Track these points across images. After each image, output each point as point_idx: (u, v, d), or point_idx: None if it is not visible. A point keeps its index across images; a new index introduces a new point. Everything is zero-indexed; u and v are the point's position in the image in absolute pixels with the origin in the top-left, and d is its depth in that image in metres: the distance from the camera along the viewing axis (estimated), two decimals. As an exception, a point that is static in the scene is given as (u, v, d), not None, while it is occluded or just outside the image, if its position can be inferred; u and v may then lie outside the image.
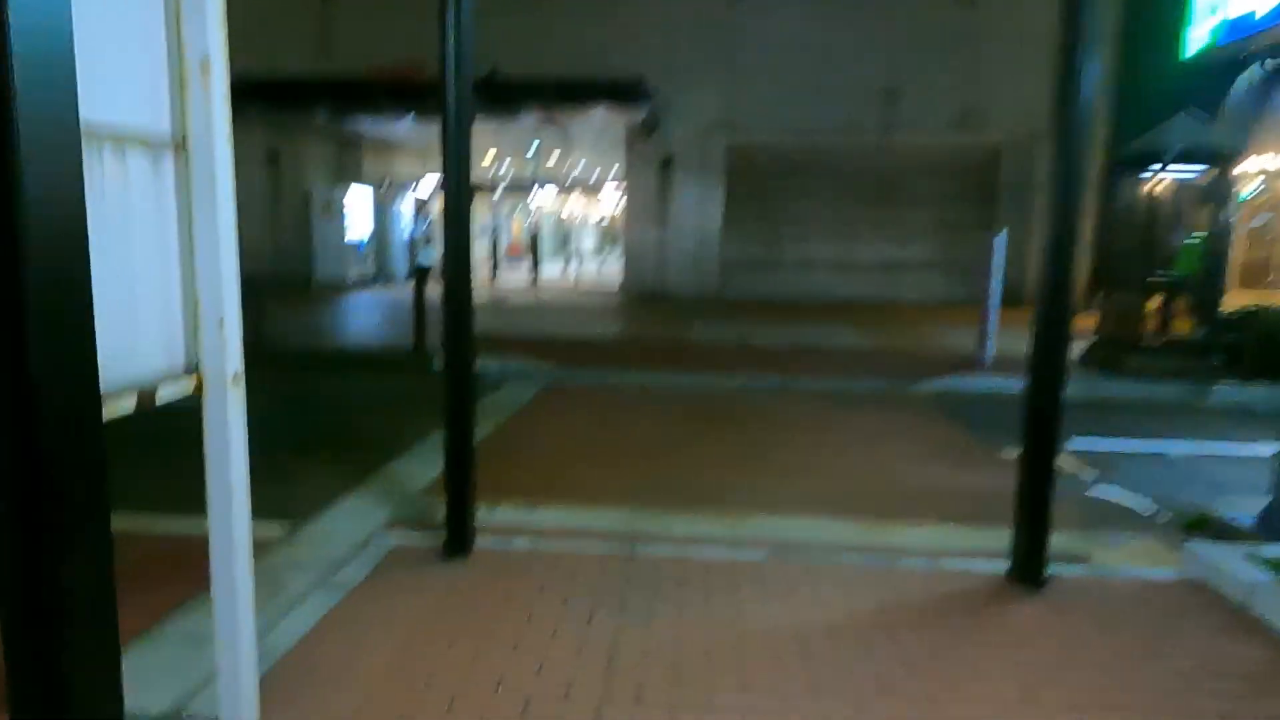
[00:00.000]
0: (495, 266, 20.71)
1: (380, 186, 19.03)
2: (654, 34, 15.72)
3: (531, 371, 9.17)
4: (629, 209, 17.09)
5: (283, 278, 17.19)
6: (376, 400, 8.02)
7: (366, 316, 13.01)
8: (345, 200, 17.08)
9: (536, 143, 18.00)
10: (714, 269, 16.80)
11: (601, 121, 15.46)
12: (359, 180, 18.60)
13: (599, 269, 23.01)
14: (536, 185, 19.62)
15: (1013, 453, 4.27)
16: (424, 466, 5.42)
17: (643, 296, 16.63)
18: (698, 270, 16.64)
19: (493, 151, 20.49)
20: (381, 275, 18.56)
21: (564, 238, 25.47)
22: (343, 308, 14.22)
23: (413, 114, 14.37)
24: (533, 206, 20.02)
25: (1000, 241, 9.60)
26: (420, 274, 20.50)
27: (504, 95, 13.98)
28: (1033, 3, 15.06)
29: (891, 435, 6.87)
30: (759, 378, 9.02)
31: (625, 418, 7.20)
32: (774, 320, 13.50)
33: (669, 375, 9.04)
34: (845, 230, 16.91)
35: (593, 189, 22.40)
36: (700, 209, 16.49)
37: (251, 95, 14.36)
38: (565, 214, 25.60)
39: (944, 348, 11.08)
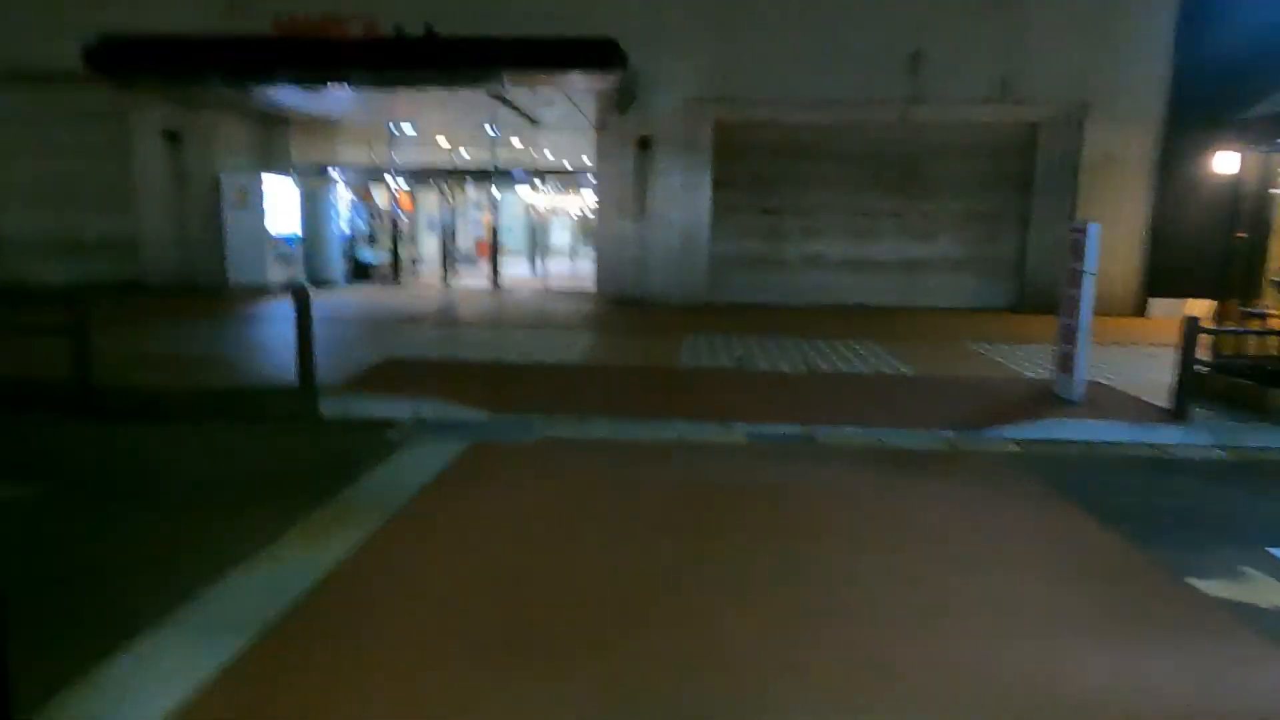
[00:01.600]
0: (447, 266, 17.96)
1: (313, 173, 16.25)
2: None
3: (456, 421, 6.53)
4: (601, 198, 14.43)
5: (188, 281, 14.40)
6: (204, 473, 5.31)
7: (272, 333, 10.30)
8: (265, 189, 14.31)
9: (489, 125, 15.27)
10: (702, 269, 14.20)
11: (567, 94, 12.79)
12: (288, 166, 15.82)
13: (573, 268, 20.32)
14: (499, 174, 16.86)
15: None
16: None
17: (620, 301, 13.99)
18: (683, 270, 14.03)
19: (443, 137, 17.78)
20: (314, 278, 15.80)
21: (533, 233, 22.73)
22: (246, 321, 11.49)
23: (339, 83, 11.62)
24: (495, 198, 17.25)
25: (1094, 234, 7.05)
26: (360, 271, 17.82)
27: (445, 59, 11.28)
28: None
29: (993, 544, 4.28)
30: (771, 426, 6.42)
31: (573, 519, 4.57)
32: (778, 332, 10.92)
33: (647, 424, 6.42)
34: (860, 223, 14.33)
35: (565, 177, 19.65)
36: (686, 198, 13.87)
37: (136, 59, 11.61)
38: (536, 206, 22.87)
39: (1005, 373, 8.52)
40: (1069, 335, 7.27)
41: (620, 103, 13.18)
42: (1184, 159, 13.00)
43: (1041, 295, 13.75)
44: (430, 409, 6.75)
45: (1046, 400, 7.31)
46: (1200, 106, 12.79)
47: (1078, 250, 7.20)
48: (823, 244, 14.40)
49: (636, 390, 7.48)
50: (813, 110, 13.60)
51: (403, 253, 17.57)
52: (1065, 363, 7.31)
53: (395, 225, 17.06)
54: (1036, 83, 12.98)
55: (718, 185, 14.08)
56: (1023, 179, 13.96)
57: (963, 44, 12.98)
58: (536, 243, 22.49)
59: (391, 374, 7.92)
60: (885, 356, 9.32)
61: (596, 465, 5.58)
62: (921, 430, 6.46)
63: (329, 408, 6.78)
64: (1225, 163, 12.81)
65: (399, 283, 17.13)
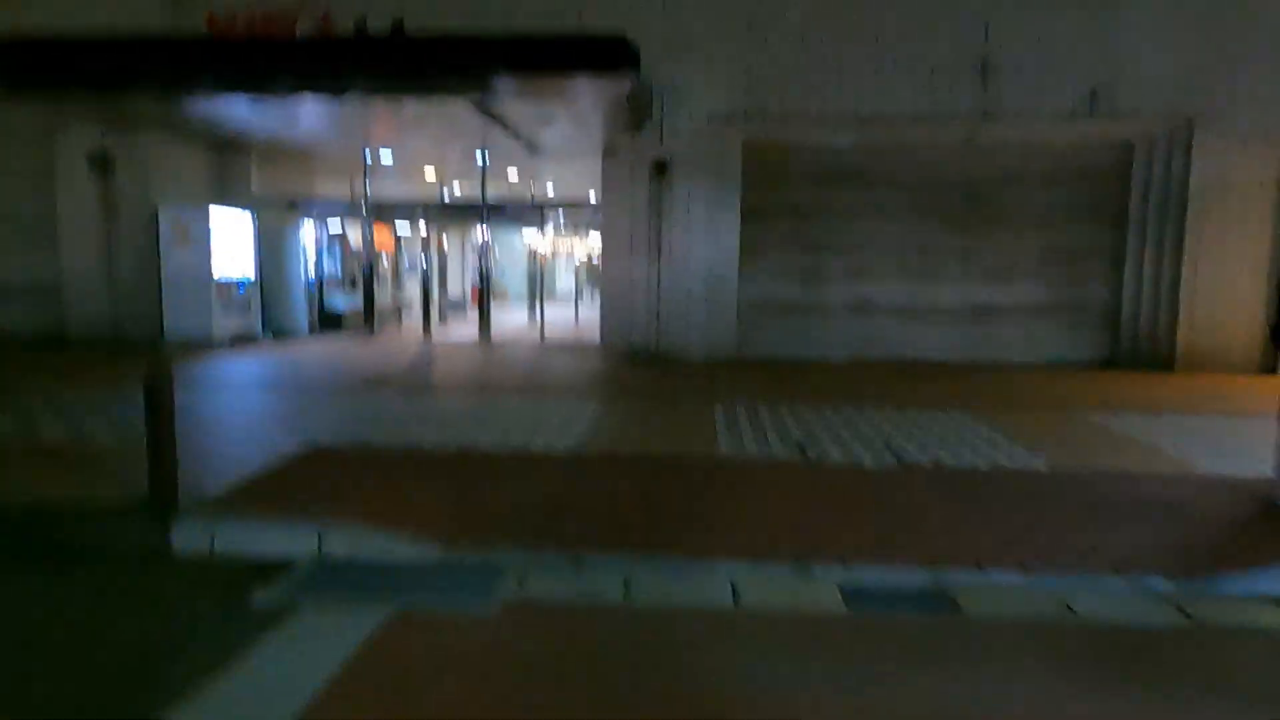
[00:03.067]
0: (430, 315, 15.68)
1: (278, 208, 14.09)
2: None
3: (381, 562, 4.12)
4: (609, 235, 12.19)
5: (119, 332, 12.13)
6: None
7: (194, 404, 7.94)
8: (213, 225, 12.13)
9: (480, 152, 13.12)
10: (730, 317, 11.89)
11: (569, 110, 10.63)
12: (247, 199, 13.66)
13: (579, 316, 18.04)
14: (492, 209, 14.68)
15: None
16: None
17: (632, 356, 11.64)
18: (708, 319, 11.71)
19: (432, 170, 15.66)
20: (275, 328, 13.55)
21: (534, 277, 20.50)
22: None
23: (285, 91, 9.47)
24: (484, 237, 15.05)
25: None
26: (329, 320, 15.48)
27: (417, 60, 9.13)
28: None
29: None
30: (877, 571, 4.00)
31: None
32: (833, 398, 8.53)
33: (680, 568, 4.01)
34: (918, 262, 12.02)
35: (571, 212, 17.46)
36: (710, 233, 11.62)
37: (28, 64, 9.48)
38: (537, 246, 20.70)
39: (1167, 464, 6.06)
40: (1309, 420, 4.85)
41: (632, 120, 11.00)
42: (1319, 183, 10.69)
43: (1140, 348, 11.39)
44: (344, 540, 4.34)
45: (1272, 515, 4.87)
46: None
47: None
48: (872, 287, 12.08)
49: (660, 499, 5.06)
50: (860, 129, 11.39)
51: (380, 299, 15.31)
52: (1304, 470, 4.88)
53: (371, 268, 14.82)
54: (1133, 93, 10.75)
55: (747, 218, 11.83)
56: (1117, 210, 11.66)
57: (1043, 48, 10.80)
58: (538, 288, 20.25)
59: (309, 473, 5.54)
60: (990, 436, 6.89)
61: (601, 670, 3.15)
62: (1117, 579, 4.02)
63: (189, 537, 4.39)
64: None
65: (374, 334, 14.84)
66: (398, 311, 16.74)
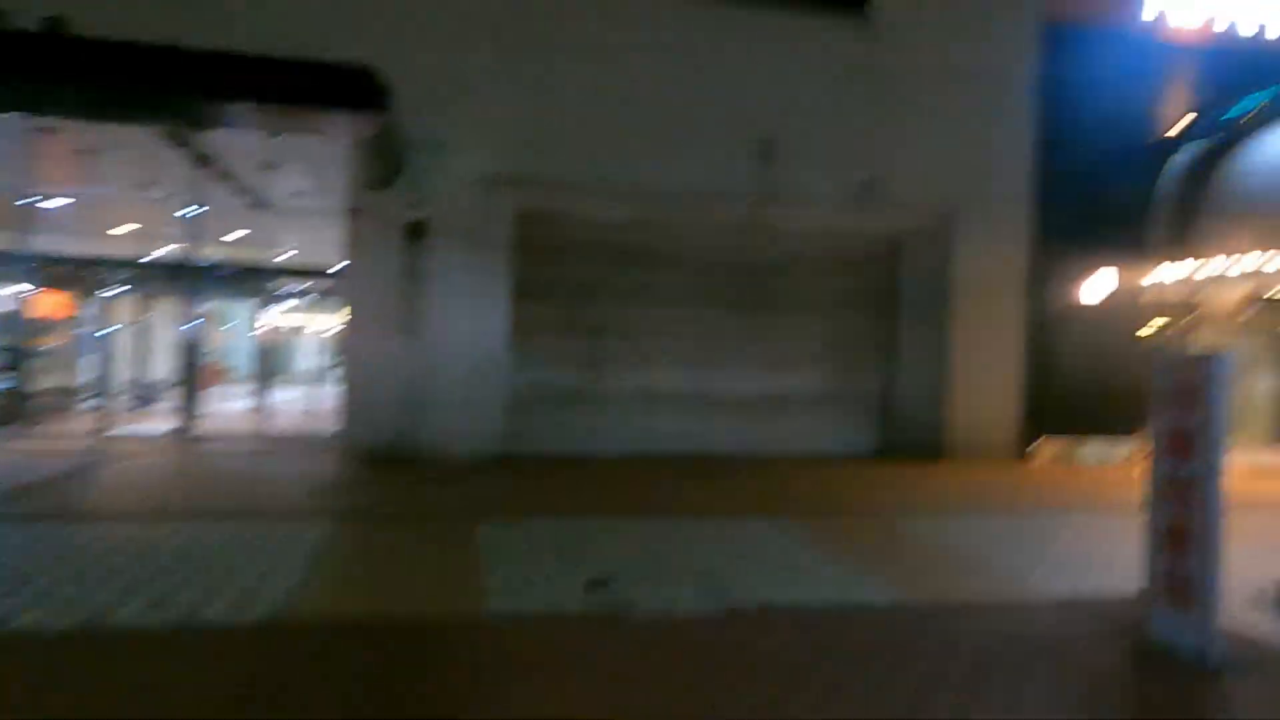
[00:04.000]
0: (112, 404, 12.47)
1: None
2: (403, 17, 9.49)
3: None
4: (355, 307, 10.18)
5: None
6: None
7: None
8: None
9: (190, 202, 10.67)
10: (498, 408, 10.27)
11: (303, 153, 8.73)
12: None
13: (317, 404, 15.39)
14: (201, 273, 12.05)
15: None
16: None
17: (379, 455, 9.56)
18: (472, 410, 9.98)
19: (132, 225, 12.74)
20: None
21: (266, 356, 17.52)
22: None
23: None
24: (193, 307, 12.30)
25: (1225, 365, 4.13)
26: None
27: (78, 68, 6.85)
28: (954, 38, 10.86)
29: None
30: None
31: None
32: (623, 507, 7.18)
33: None
34: (703, 348, 11.22)
35: (312, 279, 15.01)
36: (476, 310, 10.05)
37: None
38: (271, 320, 17.83)
39: (1004, 586, 5.26)
40: (1181, 542, 4.19)
41: (382, 174, 9.29)
42: (1058, 278, 11.35)
43: (912, 437, 11.29)
44: None
45: (1160, 663, 4.10)
46: (1068, 222, 11.31)
47: (1187, 394, 4.22)
48: (656, 374, 11.07)
49: (397, 707, 3.29)
50: (642, 203, 10.53)
51: (39, 384, 11.90)
52: (1180, 592, 4.19)
53: (19, 345, 11.47)
54: (903, 186, 10.87)
55: (520, 295, 10.41)
56: (889, 299, 11.70)
57: (822, 135, 10.65)
58: (269, 369, 17.29)
59: None
60: (808, 555, 5.83)
61: None
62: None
63: None
64: (1101, 282, 11.33)
65: (28, 429, 11.39)
66: (70, 398, 13.21)
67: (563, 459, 10.17)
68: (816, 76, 10.64)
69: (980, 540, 6.52)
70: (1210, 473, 4.05)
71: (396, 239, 9.74)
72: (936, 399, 11.14)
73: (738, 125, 10.39)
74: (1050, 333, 11.33)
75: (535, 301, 10.58)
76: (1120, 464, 11.36)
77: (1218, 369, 4.06)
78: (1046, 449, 11.26)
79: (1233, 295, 12.50)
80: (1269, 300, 11.99)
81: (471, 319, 9.97)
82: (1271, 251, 10.78)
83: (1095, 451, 11.31)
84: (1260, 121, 12.23)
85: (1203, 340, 13.82)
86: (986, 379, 11.20)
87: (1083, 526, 7.21)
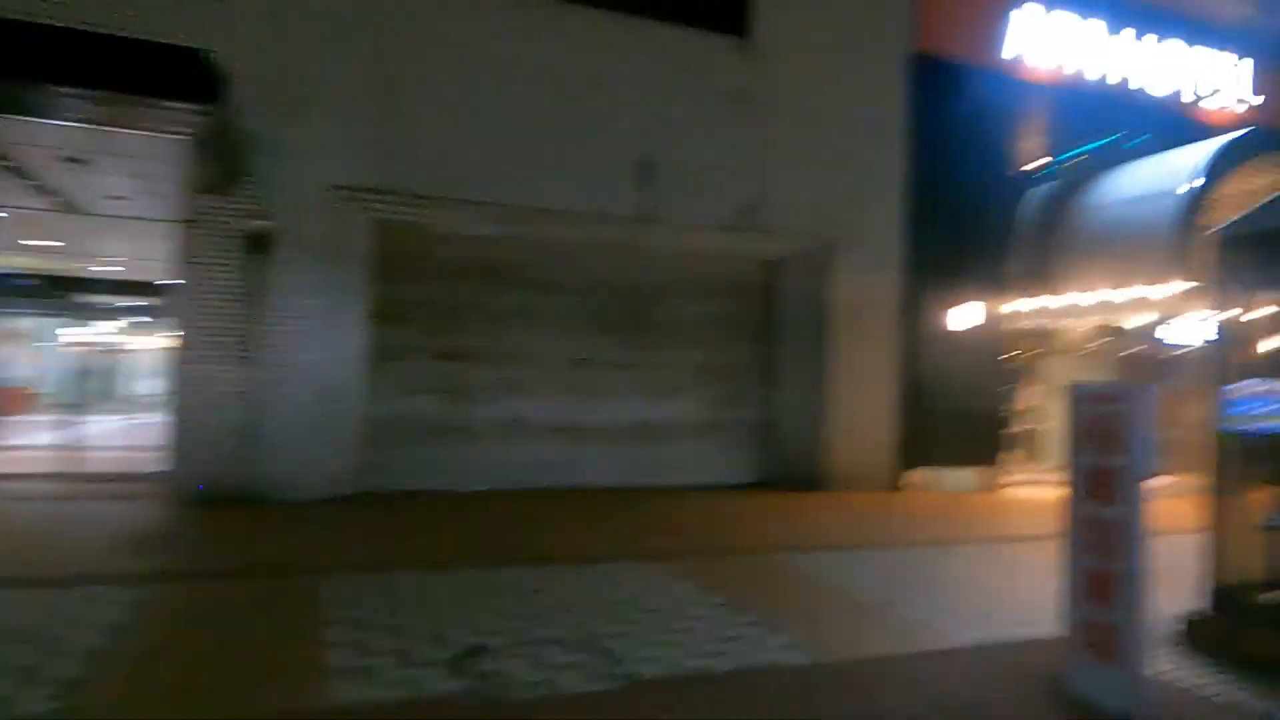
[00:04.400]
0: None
1: None
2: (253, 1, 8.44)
3: None
4: (187, 325, 8.89)
5: None
6: None
7: None
8: None
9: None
10: (351, 440, 9.25)
11: (117, 147, 7.51)
12: None
13: (135, 435, 13.61)
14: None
15: None
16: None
17: (209, 497, 8.31)
18: (321, 443, 8.91)
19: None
20: None
21: (85, 380, 15.48)
22: None
23: None
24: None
25: (1148, 399, 3.93)
26: None
27: None
28: (830, 69, 10.88)
29: None
30: None
31: None
32: (500, 552, 6.43)
33: None
34: (578, 375, 10.62)
35: (138, 292, 13.30)
36: (327, 332, 9.02)
37: None
38: (89, 339, 15.78)
39: (911, 625, 4.91)
40: (1102, 590, 3.94)
41: (220, 176, 8.16)
42: (929, 309, 11.54)
43: (793, 468, 11.12)
44: None
45: (1084, 718, 3.82)
46: (938, 253, 11.55)
47: (1104, 431, 3.99)
48: (528, 404, 10.36)
49: None
50: (517, 221, 9.86)
51: None
52: (1105, 643, 3.93)
53: None
54: (782, 213, 10.73)
55: (380, 316, 9.47)
56: (768, 326, 11.53)
57: (703, 158, 10.35)
58: (87, 394, 15.27)
59: None
60: (704, 605, 5.31)
61: None
62: None
63: None
64: (967, 313, 11.60)
65: None
66: None
67: (427, 496, 9.25)
68: (698, 98, 10.36)
69: (877, 579, 6.21)
70: (1134, 516, 3.82)
71: (237, 251, 8.60)
72: (816, 428, 11.00)
73: (617, 143, 9.94)
74: (922, 362, 11.47)
75: (396, 324, 9.67)
76: (989, 491, 11.62)
77: (1140, 404, 3.86)
78: (919, 477, 11.34)
79: (1083, 327, 13.18)
80: (1115, 331, 12.70)
81: (323, 342, 8.93)
82: (1115, 287, 11.39)
83: (964, 479, 11.50)
84: (1092, 167, 13.02)
85: (1054, 370, 14.54)
86: (863, 408, 11.18)
87: (970, 559, 7.09)
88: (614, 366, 10.73)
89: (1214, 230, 5.06)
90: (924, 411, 11.39)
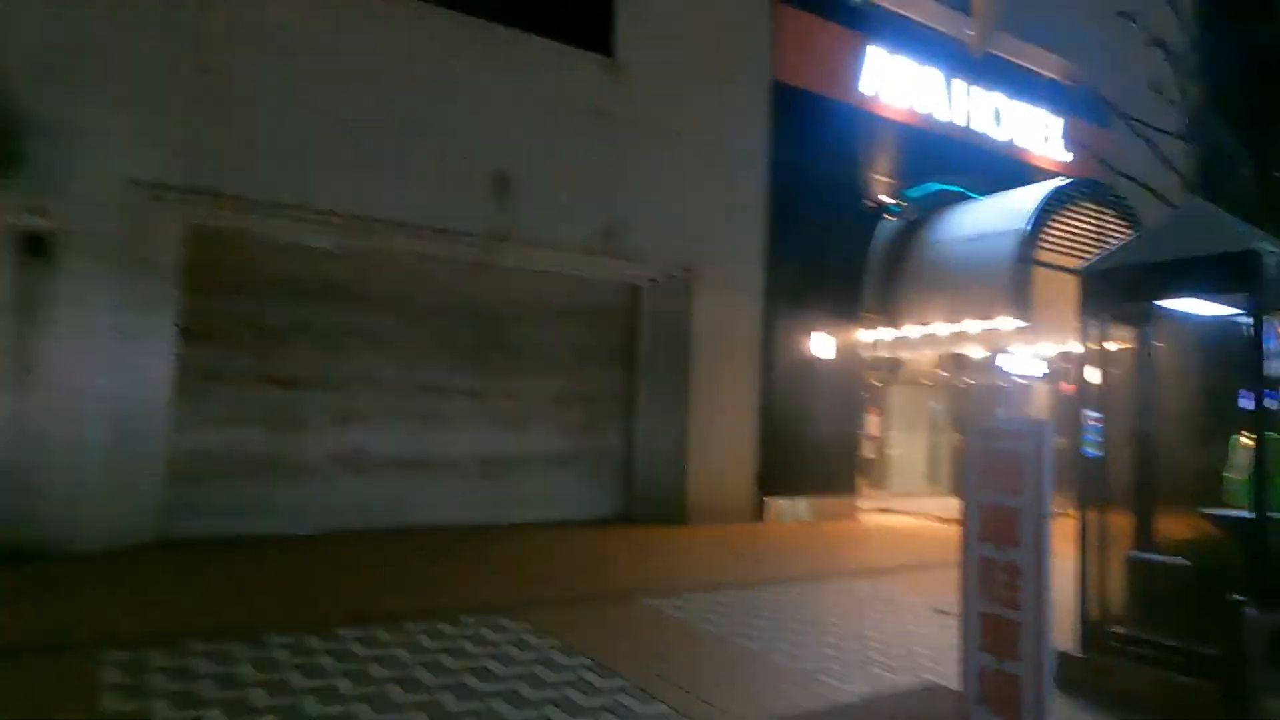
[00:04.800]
0: None
1: None
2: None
3: None
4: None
5: None
6: None
7: None
8: None
9: None
10: (153, 478, 7.93)
11: None
12: None
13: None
14: None
15: None
16: None
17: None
18: (115, 482, 7.56)
19: None
20: None
21: None
22: None
23: None
24: None
25: (1047, 435, 3.73)
26: None
27: None
28: (694, 92, 10.72)
29: None
30: None
31: None
32: (333, 610, 5.53)
33: None
34: (425, 404, 9.72)
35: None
36: (125, 351, 7.71)
37: None
38: None
39: (797, 676, 4.52)
40: (1004, 639, 3.68)
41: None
42: (788, 338, 11.53)
43: (654, 501, 10.71)
44: None
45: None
46: (797, 282, 11.60)
47: (1001, 469, 3.75)
48: (370, 435, 9.36)
49: None
50: (359, 234, 8.93)
51: None
52: (1004, 697, 3.66)
53: None
54: (644, 236, 10.39)
55: (193, 335, 8.25)
56: (628, 353, 11.10)
57: (564, 176, 9.85)
58: None
59: None
60: (575, 670, 4.70)
61: None
62: None
63: None
64: (824, 342, 11.70)
65: None
66: None
67: (247, 542, 8.07)
68: (560, 114, 9.87)
69: (753, 623, 5.83)
70: (1035, 559, 3.59)
71: (6, 254, 7.19)
72: (678, 458, 10.65)
73: (472, 155, 9.26)
74: (782, 391, 11.42)
75: (215, 344, 8.46)
76: (847, 519, 11.69)
77: (1039, 441, 3.65)
78: (780, 507, 11.23)
79: (927, 357, 13.69)
80: (957, 362, 13.26)
81: (120, 364, 7.62)
82: (956, 320, 11.88)
83: (823, 508, 11.50)
84: (936, 205, 13.67)
85: (901, 400, 15.06)
86: (726, 437, 10.97)
87: (841, 596, 6.87)
88: (466, 394, 9.93)
89: (1081, 267, 5.06)
90: (785, 440, 11.32)
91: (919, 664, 5.06)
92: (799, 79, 11.77)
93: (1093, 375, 15.63)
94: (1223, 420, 5.75)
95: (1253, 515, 4.32)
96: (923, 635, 5.72)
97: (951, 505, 13.42)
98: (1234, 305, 4.92)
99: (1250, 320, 4.72)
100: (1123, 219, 12.22)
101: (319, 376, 9.10)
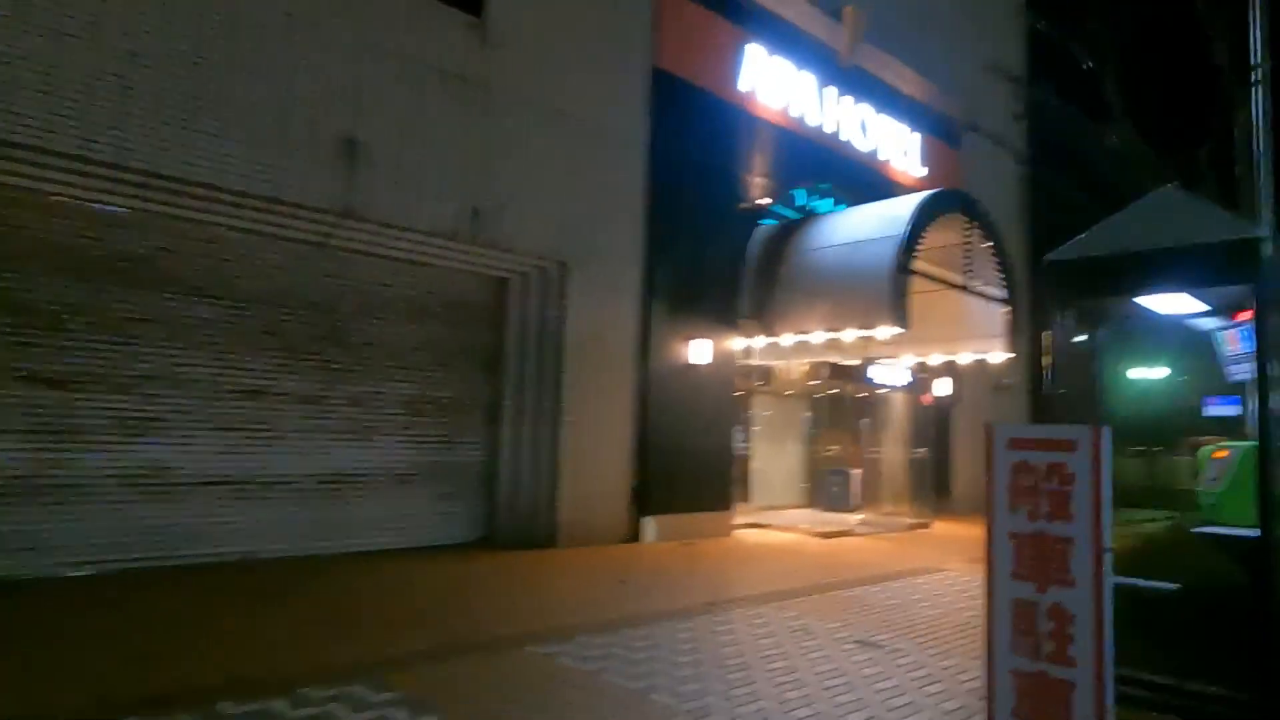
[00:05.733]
0: None
1: None
2: None
3: None
4: None
5: None
6: None
7: None
8: None
9: None
10: None
11: None
12: None
13: None
14: None
15: None
16: None
17: None
18: None
19: None
20: None
21: None
22: None
23: None
24: None
25: (1105, 445, 2.99)
26: None
27: None
28: (569, 71, 9.74)
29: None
30: None
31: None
32: (101, 687, 3.99)
33: None
34: (243, 411, 8.01)
35: None
36: None
37: None
38: None
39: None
40: (1044, 700, 2.89)
41: None
42: (665, 342, 10.70)
43: (521, 522, 9.53)
44: None
45: None
46: (675, 283, 10.82)
47: (1044, 488, 2.98)
48: (173, 449, 7.55)
49: None
50: (156, 196, 7.17)
51: None
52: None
53: None
54: (514, 225, 9.22)
55: (-84, 316, 6.22)
56: (494, 356, 9.85)
57: (425, 147, 8.51)
58: None
59: None
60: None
61: None
62: None
63: None
64: (701, 348, 10.97)
65: None
66: None
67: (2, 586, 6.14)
68: (423, 76, 8.53)
69: (675, 673, 4.83)
70: (1099, 602, 2.84)
71: None
72: (547, 474, 9.51)
73: (314, 112, 7.75)
74: (659, 400, 10.56)
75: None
76: (724, 536, 10.99)
77: (1096, 450, 2.91)
78: (656, 525, 10.33)
79: (799, 366, 13.34)
80: (828, 368, 12.98)
81: None
82: (829, 329, 11.54)
83: (700, 524, 10.73)
84: (809, 210, 13.43)
85: (771, 409, 14.66)
86: (600, 449, 9.96)
87: (741, 630, 6.01)
88: (299, 399, 8.30)
89: (1049, 256, 4.49)
90: (662, 453, 10.46)
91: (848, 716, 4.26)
92: (680, 69, 11.05)
93: (941, 389, 15.79)
94: (1167, 429, 5.48)
95: (1258, 533, 3.84)
96: (870, 674, 4.96)
97: (820, 519, 13.17)
98: (1208, 299, 4.51)
99: (1218, 323, 4.31)
100: (987, 235, 12.40)
101: (101, 374, 7.22)
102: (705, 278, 11.28)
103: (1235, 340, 4.49)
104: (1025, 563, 3.01)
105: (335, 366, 8.61)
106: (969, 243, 12.21)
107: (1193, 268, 4.09)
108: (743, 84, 11.83)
